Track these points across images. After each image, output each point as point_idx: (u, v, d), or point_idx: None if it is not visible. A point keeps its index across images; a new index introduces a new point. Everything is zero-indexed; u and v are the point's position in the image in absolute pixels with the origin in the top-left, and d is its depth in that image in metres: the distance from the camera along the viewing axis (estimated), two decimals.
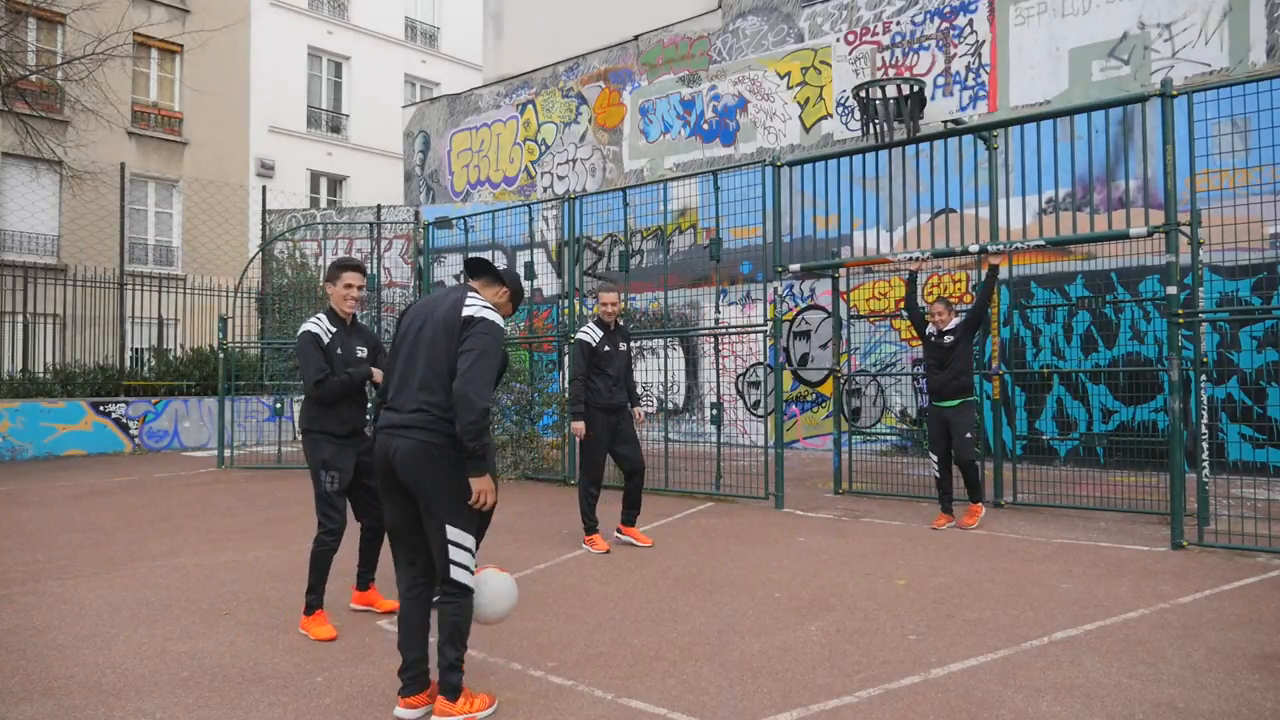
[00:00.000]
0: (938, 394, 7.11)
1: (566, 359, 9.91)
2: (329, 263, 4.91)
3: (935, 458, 7.17)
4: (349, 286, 4.62)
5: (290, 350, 12.92)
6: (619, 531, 6.52)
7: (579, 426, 6.24)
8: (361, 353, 4.68)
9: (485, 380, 3.10)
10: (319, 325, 4.57)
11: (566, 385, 6.51)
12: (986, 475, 8.02)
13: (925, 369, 7.31)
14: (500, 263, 3.06)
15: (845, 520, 7.39)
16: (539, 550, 6.17)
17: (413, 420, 3.16)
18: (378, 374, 4.62)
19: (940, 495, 7.17)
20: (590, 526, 6.36)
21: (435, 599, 3.29)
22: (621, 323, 6.66)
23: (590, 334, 6.36)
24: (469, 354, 3.12)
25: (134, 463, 12.55)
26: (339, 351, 4.57)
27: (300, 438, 4.66)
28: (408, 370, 3.27)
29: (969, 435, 6.96)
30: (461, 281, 3.53)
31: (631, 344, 6.80)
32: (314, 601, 4.40)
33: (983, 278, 7.43)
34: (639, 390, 7.15)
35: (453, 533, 3.17)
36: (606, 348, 6.34)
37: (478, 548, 3.31)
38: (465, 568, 3.19)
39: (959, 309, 11.87)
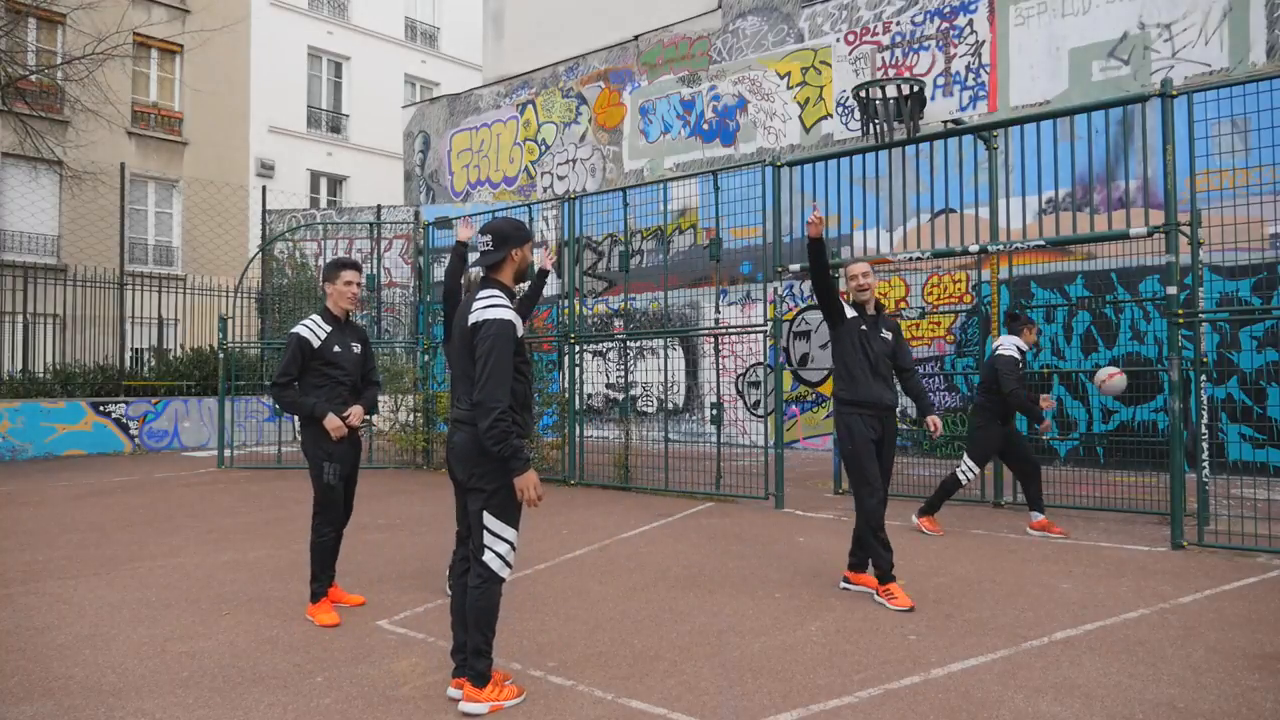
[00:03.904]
0: (1009, 417, 6.82)
1: (566, 359, 9.90)
2: (324, 263, 4.96)
3: (979, 471, 6.93)
4: (348, 284, 4.77)
5: None
6: (847, 581, 5.15)
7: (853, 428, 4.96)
8: (356, 349, 4.82)
9: (496, 382, 3.24)
10: (309, 329, 4.67)
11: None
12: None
13: (1023, 397, 6.61)
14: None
15: (845, 520, 7.38)
16: (539, 550, 6.16)
17: (464, 416, 3.42)
18: (343, 422, 4.59)
19: (942, 495, 6.98)
20: (888, 571, 4.78)
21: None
22: (881, 306, 5.26)
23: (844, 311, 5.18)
24: (479, 362, 3.29)
25: (134, 463, 12.55)
26: (336, 349, 4.69)
27: (300, 435, 4.71)
28: (456, 374, 3.55)
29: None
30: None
31: (897, 333, 5.26)
32: (318, 590, 4.59)
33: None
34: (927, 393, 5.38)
35: (489, 520, 3.39)
36: (863, 327, 5.09)
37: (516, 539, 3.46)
38: (498, 555, 3.39)
39: (960, 309, 11.83)
